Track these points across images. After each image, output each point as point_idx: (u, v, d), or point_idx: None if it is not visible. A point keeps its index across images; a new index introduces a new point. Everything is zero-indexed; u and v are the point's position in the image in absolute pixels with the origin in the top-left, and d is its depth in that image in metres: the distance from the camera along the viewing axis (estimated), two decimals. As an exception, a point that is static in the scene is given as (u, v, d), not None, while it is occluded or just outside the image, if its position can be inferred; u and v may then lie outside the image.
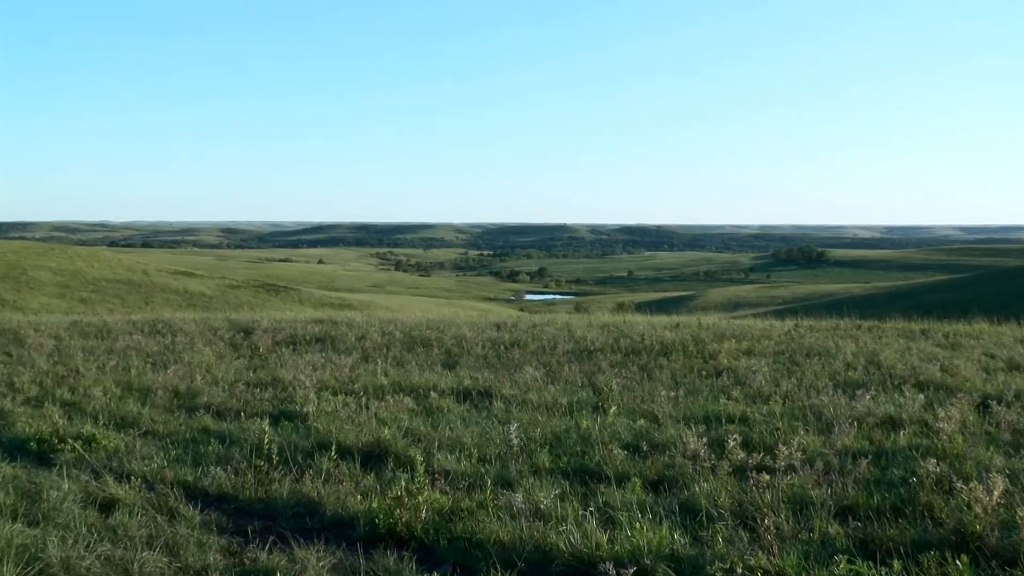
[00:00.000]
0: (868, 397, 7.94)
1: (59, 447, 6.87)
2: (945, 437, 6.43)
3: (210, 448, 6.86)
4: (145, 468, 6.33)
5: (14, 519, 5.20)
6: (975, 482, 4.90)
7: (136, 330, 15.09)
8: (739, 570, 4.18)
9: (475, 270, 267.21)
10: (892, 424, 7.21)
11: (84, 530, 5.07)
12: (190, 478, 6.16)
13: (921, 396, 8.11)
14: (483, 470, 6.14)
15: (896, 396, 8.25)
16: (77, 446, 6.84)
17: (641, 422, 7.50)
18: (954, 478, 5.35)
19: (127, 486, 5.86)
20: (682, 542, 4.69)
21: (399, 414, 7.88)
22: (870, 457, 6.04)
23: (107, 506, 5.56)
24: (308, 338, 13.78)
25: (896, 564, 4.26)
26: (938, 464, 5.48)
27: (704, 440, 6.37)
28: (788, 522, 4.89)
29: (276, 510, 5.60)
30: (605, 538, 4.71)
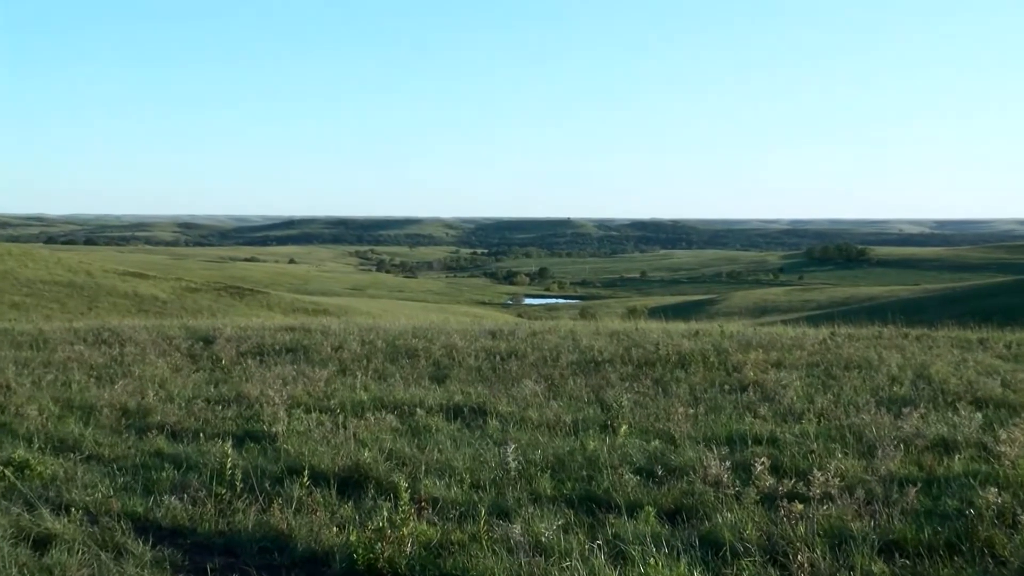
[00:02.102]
0: (917, 416, 7.94)
1: (-13, 474, 6.83)
2: (1007, 463, 6.41)
3: (164, 474, 6.83)
4: (88, 498, 6.29)
5: (-66, 558, 5.17)
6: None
7: (78, 339, 15.05)
8: (769, 613, 4.16)
9: (467, 271, 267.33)
10: (945, 447, 7.21)
11: (15, 571, 5.04)
12: (140, 509, 6.12)
13: (979, 415, 8.09)
14: (476, 498, 6.13)
15: (949, 415, 8.24)
16: (8, 473, 6.79)
17: (655, 443, 7.49)
18: (1018, 510, 5.34)
19: (66, 519, 5.82)
20: (703, 581, 4.67)
21: (381, 434, 7.86)
22: (919, 485, 6.03)
23: (42, 543, 5.53)
24: (277, 348, 13.76)
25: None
26: (999, 494, 5.47)
27: (727, 464, 6.36)
28: (824, 559, 4.87)
29: (240, 544, 5.57)
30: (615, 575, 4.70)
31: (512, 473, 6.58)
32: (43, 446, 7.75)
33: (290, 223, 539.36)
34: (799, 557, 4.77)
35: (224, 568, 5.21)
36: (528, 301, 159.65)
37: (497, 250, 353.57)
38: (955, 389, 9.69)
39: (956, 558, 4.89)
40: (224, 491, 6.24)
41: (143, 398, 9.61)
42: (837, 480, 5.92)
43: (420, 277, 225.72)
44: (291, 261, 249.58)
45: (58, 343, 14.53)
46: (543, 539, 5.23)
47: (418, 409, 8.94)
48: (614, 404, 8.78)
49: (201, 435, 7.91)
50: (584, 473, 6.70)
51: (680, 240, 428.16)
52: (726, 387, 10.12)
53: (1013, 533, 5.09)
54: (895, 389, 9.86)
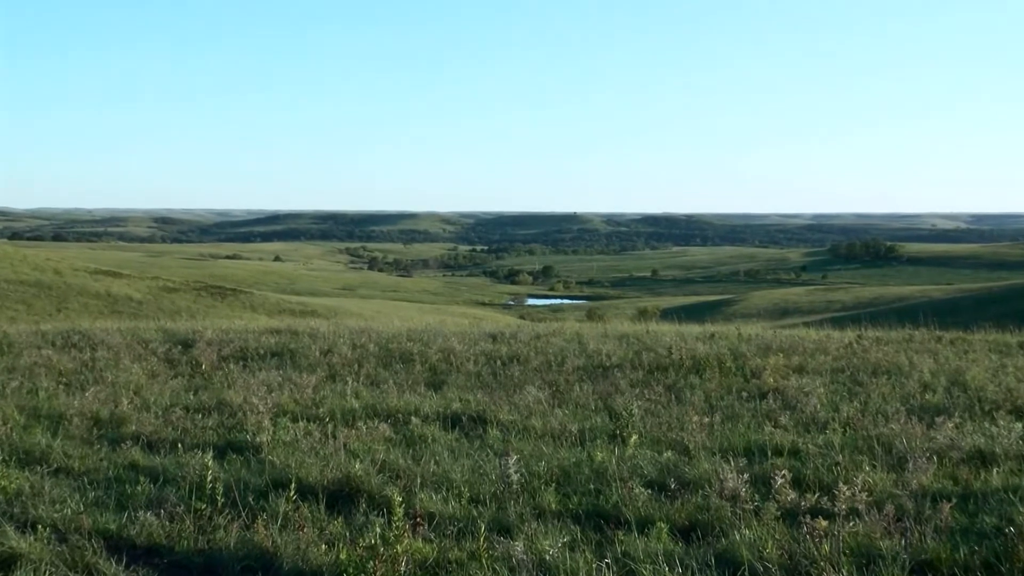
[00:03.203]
0: (951, 426, 7.93)
1: (-54, 489, 6.84)
2: (1050, 476, 6.41)
3: (139, 488, 6.83)
4: (56, 514, 6.29)
5: None
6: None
7: (46, 343, 15.06)
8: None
9: (466, 269, 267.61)
10: (982, 460, 7.20)
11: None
12: (113, 526, 6.12)
13: (1019, 425, 8.09)
14: (475, 513, 6.13)
15: (987, 425, 8.22)
16: (-30, 488, 6.80)
17: (668, 454, 7.49)
18: (1062, 527, 5.32)
19: (32, 537, 5.82)
20: (720, 603, 4.67)
21: (373, 444, 7.86)
22: (954, 500, 6.01)
23: (6, 563, 5.53)
24: (262, 352, 13.77)
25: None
26: (1042, 510, 5.45)
27: (745, 477, 6.36)
28: (851, 578, 4.86)
29: (221, 563, 5.57)
30: (625, 598, 4.69)
31: (514, 486, 6.57)
32: (7, 458, 7.74)
33: (275, 218, 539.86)
34: (823, 577, 4.76)
35: (204, 589, 5.21)
36: (531, 302, 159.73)
37: (498, 247, 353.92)
38: (993, 397, 9.68)
39: (994, 579, 4.88)
40: (204, 506, 6.23)
41: (116, 406, 9.61)
42: (864, 495, 5.91)
43: (415, 276, 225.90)
44: (276, 259, 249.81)
45: (24, 347, 14.54)
46: (547, 557, 5.23)
47: (413, 418, 8.94)
48: (623, 412, 8.77)
49: (179, 446, 7.90)
50: (591, 486, 6.70)
51: (694, 236, 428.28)
52: (744, 394, 10.11)
53: (1055, 552, 5.08)
54: (927, 397, 9.85)
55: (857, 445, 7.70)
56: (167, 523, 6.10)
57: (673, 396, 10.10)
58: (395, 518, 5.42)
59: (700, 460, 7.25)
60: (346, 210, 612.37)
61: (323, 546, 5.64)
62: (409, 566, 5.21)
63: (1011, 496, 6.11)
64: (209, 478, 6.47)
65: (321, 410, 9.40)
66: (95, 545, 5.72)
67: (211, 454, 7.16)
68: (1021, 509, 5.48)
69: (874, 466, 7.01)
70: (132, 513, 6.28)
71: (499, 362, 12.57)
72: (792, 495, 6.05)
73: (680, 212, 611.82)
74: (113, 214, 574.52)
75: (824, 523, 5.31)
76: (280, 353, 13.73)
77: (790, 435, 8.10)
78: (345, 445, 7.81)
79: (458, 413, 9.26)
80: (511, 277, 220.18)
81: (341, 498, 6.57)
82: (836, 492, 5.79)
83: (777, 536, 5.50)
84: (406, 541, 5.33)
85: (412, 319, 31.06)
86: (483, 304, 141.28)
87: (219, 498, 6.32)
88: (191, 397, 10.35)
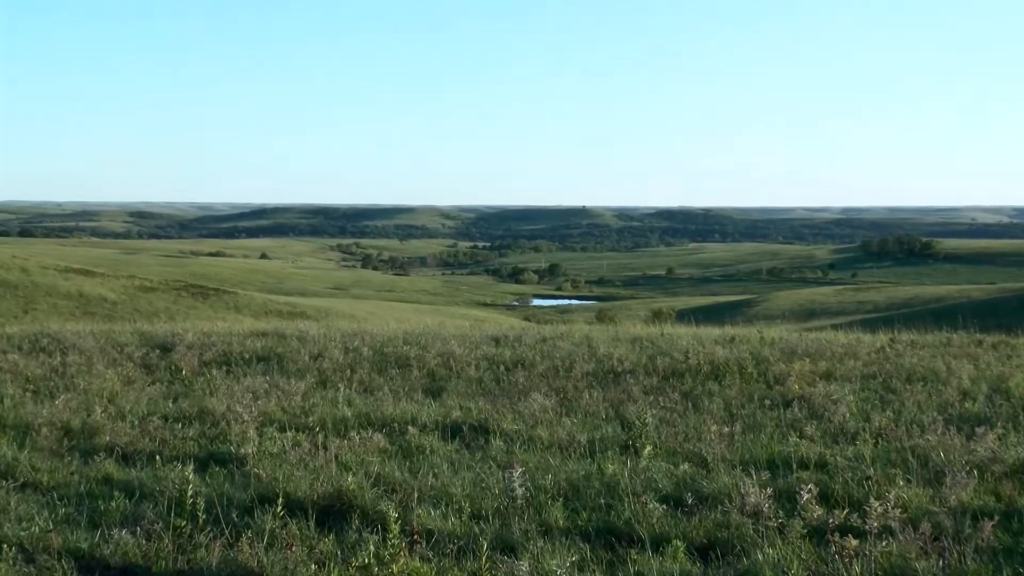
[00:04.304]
0: (993, 437, 7.92)
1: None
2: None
3: (113, 504, 6.83)
4: (22, 533, 6.29)
5: None
6: None
7: (11, 347, 15.09)
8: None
9: (467, 267, 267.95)
10: (1026, 473, 7.17)
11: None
12: (85, 545, 6.12)
13: (1066, 436, 8.07)
14: (477, 529, 6.14)
15: (1031, 436, 8.21)
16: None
17: (684, 467, 7.49)
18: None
19: (-2, 557, 5.82)
20: (742, 628, 4.66)
21: (367, 456, 7.87)
22: (997, 518, 5.99)
23: (-30, 585, 5.54)
24: (247, 356, 13.78)
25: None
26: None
27: (769, 491, 6.35)
28: (884, 602, 4.85)
29: (202, 585, 5.57)
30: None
31: (518, 501, 6.58)
32: (-30, 472, 7.76)
33: (261, 212, 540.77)
34: (854, 600, 4.75)
35: (184, 612, 5.21)
36: (537, 302, 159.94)
37: (501, 243, 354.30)
38: (1037, 405, 9.66)
39: (1039, 603, 4.87)
40: (184, 523, 6.22)
41: (89, 415, 9.61)
42: (898, 511, 5.90)
43: (412, 275, 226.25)
44: (263, 256, 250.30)
45: (-9, 351, 14.56)
46: (555, 578, 5.22)
47: (410, 427, 8.94)
48: (636, 421, 8.77)
49: (157, 458, 7.91)
50: (602, 501, 6.70)
51: (713, 232, 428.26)
52: (767, 402, 10.10)
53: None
54: (967, 406, 9.83)
55: (890, 458, 7.69)
56: (144, 541, 6.10)
57: (690, 404, 10.10)
58: (390, 535, 5.42)
59: (719, 473, 7.25)
60: (337, 204, 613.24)
61: (313, 566, 5.64)
62: (405, 587, 5.20)
63: (1058, 513, 6.10)
64: (189, 493, 6.46)
65: (311, 419, 9.40)
66: (65, 566, 5.73)
67: (192, 467, 7.15)
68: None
69: (909, 480, 7.00)
70: (106, 531, 6.28)
71: (502, 367, 12.57)
72: (819, 511, 6.04)
73: (697, 206, 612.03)
74: (85, 207, 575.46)
75: (854, 542, 5.30)
76: (267, 358, 13.74)
77: (817, 446, 8.09)
78: (336, 457, 7.80)
79: (458, 422, 9.26)
80: (515, 276, 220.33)
81: (332, 514, 6.57)
82: (867, 508, 5.78)
83: (803, 556, 5.49)
84: (402, 560, 5.33)
85: (409, 321, 31.08)
86: (485, 305, 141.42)
87: (200, 514, 6.32)
88: (170, 405, 10.35)
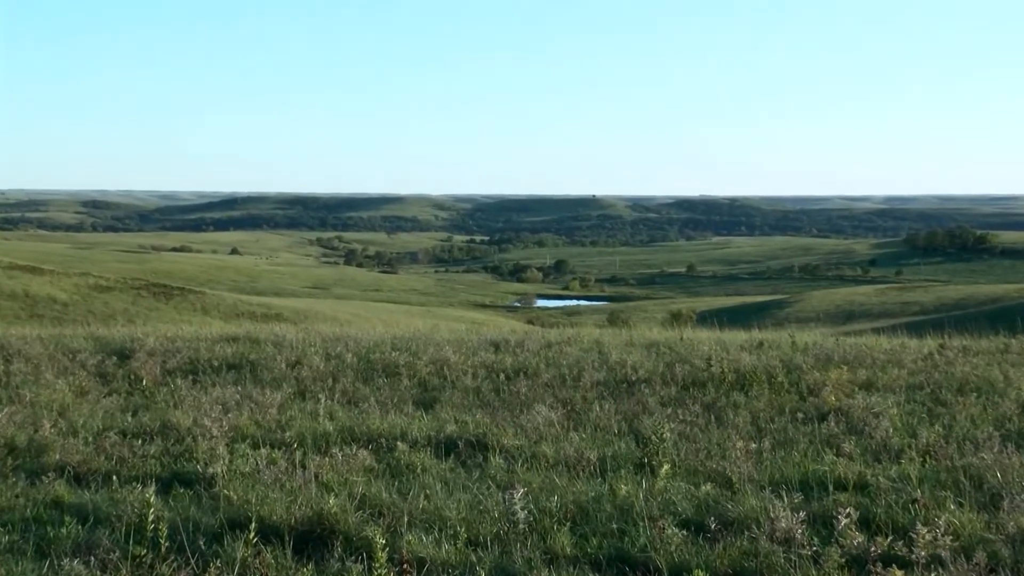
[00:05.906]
0: (1055, 455, 7.89)
1: None
2: None
3: (64, 531, 6.82)
4: (-38, 563, 6.29)
5: None
6: None
7: (-45, 353, 15.07)
8: None
9: (463, 264, 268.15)
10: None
11: None
12: None
13: None
14: (474, 557, 6.14)
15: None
16: None
17: (707, 488, 7.49)
18: None
19: (-65, 590, 5.84)
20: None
21: (351, 475, 7.86)
22: (1060, 546, 6.00)
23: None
24: (216, 364, 13.78)
25: None
26: None
27: (802, 516, 6.35)
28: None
29: (164, 620, 5.57)
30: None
31: (520, 526, 6.58)
32: (-96, 494, 7.77)
33: (231, 202, 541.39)
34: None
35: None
36: (541, 303, 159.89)
37: (501, 237, 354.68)
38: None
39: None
40: (144, 552, 6.23)
41: (36, 431, 9.60)
42: (949, 539, 5.90)
43: (401, 272, 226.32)
44: (233, 251, 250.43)
45: (-72, 358, 14.56)
46: (561, 613, 5.22)
47: (399, 443, 8.94)
48: (653, 437, 8.76)
49: (114, 479, 7.91)
50: (614, 526, 6.70)
51: (739, 224, 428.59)
52: (799, 415, 10.11)
53: None
54: (1026, 419, 9.83)
55: (939, 478, 7.68)
56: (98, 573, 6.10)
57: (713, 417, 10.10)
58: (377, 564, 5.42)
59: (746, 495, 7.25)
60: (318, 193, 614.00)
61: (289, 599, 5.64)
62: (393, 623, 5.21)
63: None
64: (151, 517, 6.47)
65: (288, 434, 9.39)
66: (12, 598, 5.72)
67: (153, 488, 7.15)
68: None
69: (960, 504, 6.98)
70: (55, 561, 6.28)
71: (503, 376, 12.57)
72: (859, 538, 6.04)
73: (721, 195, 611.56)
74: (31, 196, 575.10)
75: (899, 573, 5.30)
76: (238, 365, 13.74)
77: (856, 465, 8.08)
78: (317, 476, 7.80)
79: (453, 437, 9.26)
80: (517, 274, 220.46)
81: (312, 540, 6.57)
82: (913, 535, 5.79)
83: (841, 588, 5.48)
84: (390, 593, 5.32)
85: (398, 324, 31.10)
86: (483, 306, 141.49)
87: (163, 542, 6.32)
88: (129, 419, 10.34)
